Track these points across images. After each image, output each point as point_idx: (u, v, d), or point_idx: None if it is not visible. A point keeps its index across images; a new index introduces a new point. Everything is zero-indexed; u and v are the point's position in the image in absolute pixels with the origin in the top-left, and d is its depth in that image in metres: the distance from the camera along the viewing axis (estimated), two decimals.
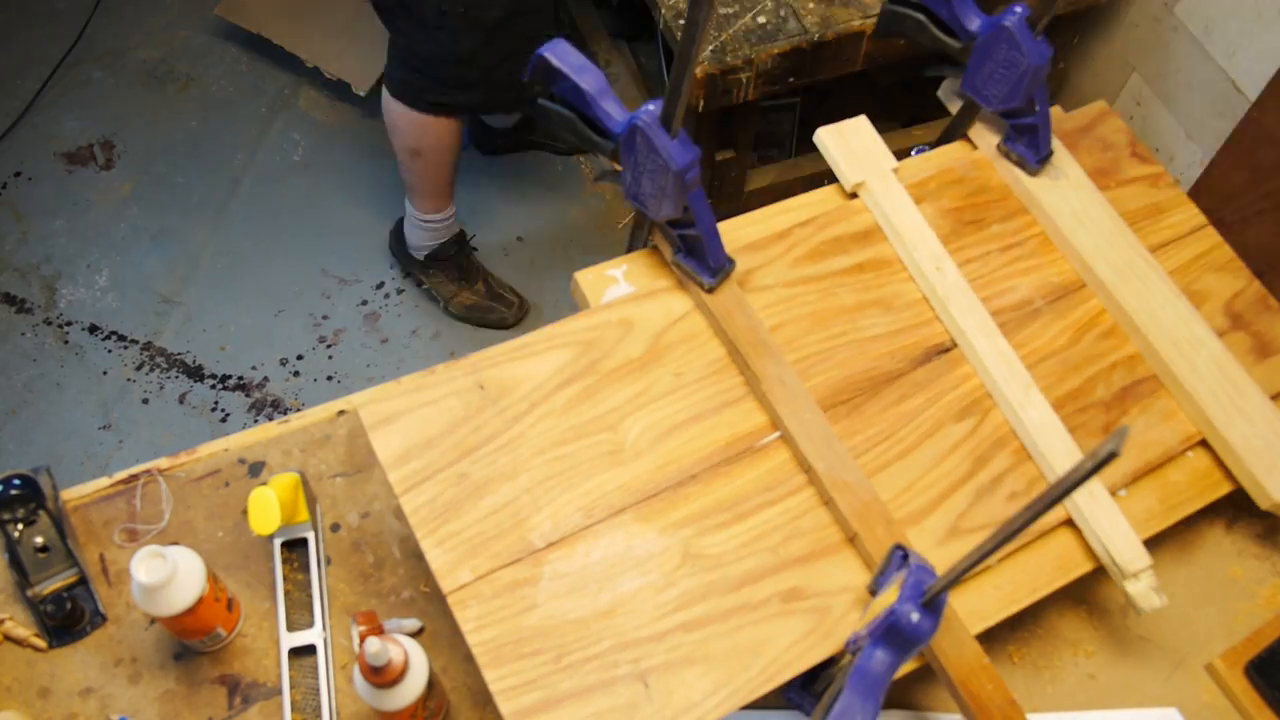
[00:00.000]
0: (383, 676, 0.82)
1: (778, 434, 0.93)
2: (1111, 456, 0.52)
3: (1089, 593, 1.02)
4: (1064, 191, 1.08)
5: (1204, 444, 1.00)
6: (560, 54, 0.91)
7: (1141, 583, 0.91)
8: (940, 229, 1.05)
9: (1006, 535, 0.62)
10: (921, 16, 1.01)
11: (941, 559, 0.89)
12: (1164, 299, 1.03)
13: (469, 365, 0.93)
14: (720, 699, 0.82)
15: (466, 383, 0.92)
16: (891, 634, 0.71)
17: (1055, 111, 1.16)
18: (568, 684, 0.81)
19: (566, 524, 0.87)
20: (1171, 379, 1.00)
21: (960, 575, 0.67)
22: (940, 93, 1.13)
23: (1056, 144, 1.09)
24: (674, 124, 0.86)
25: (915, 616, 0.70)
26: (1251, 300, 1.09)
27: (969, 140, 1.13)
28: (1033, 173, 1.08)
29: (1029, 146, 1.06)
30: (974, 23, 0.99)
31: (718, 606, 0.85)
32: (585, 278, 1.01)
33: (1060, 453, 0.94)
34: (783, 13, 1.64)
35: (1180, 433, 1.00)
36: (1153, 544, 0.96)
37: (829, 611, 0.79)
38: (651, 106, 0.87)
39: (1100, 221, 1.07)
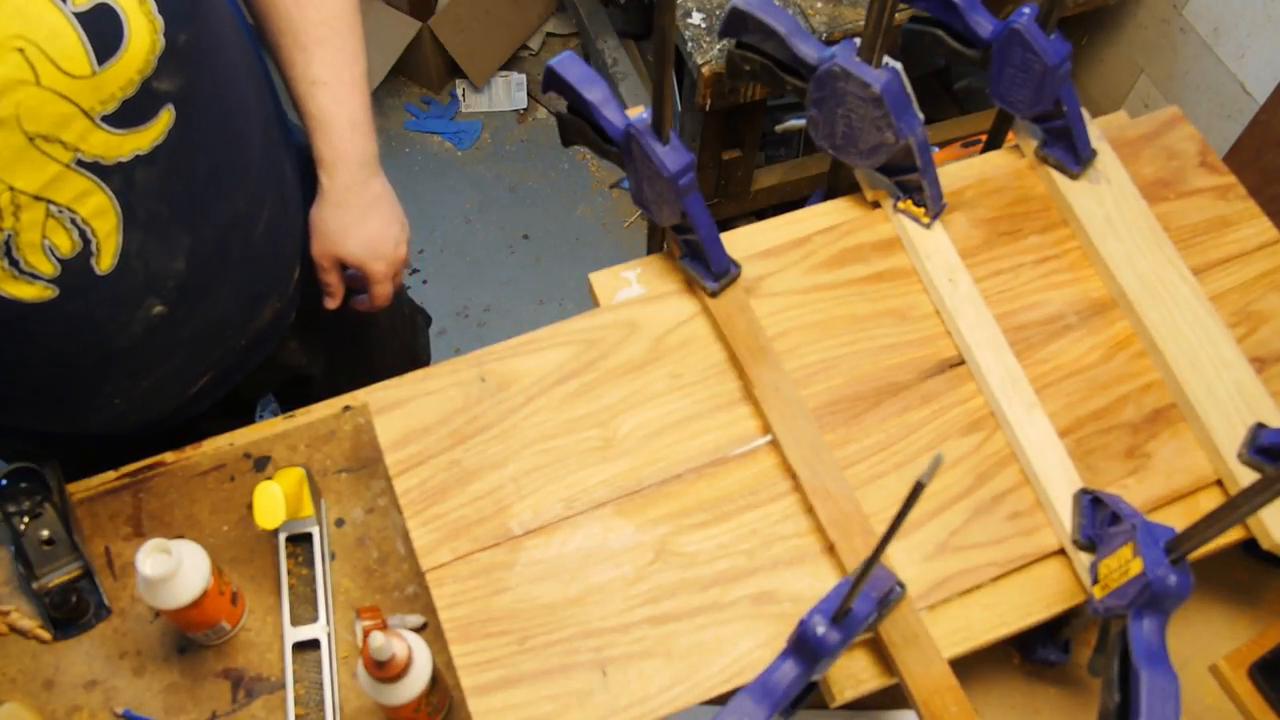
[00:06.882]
0: (386, 671, 0.82)
1: (767, 439, 0.92)
2: (919, 488, 0.51)
3: None
4: (1100, 196, 1.03)
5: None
6: (566, 67, 0.91)
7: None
8: (971, 240, 1.02)
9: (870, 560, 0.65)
10: (939, 31, 0.99)
11: (925, 574, 0.87)
12: (1192, 316, 0.97)
13: (474, 359, 0.94)
14: (675, 694, 0.82)
15: (469, 374, 0.93)
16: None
17: (1120, 117, 1.11)
18: (528, 665, 0.83)
19: (547, 513, 0.88)
20: (1185, 402, 0.95)
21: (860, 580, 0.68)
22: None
23: (1105, 148, 1.05)
24: (663, 129, 0.86)
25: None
26: None
27: (1017, 149, 1.08)
28: (1074, 176, 1.03)
29: (1066, 150, 1.03)
30: (985, 29, 0.96)
31: (686, 604, 0.86)
32: (599, 279, 1.01)
33: (1057, 477, 0.90)
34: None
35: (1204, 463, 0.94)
36: None
37: (798, 618, 0.79)
38: (645, 114, 0.87)
39: (1137, 230, 1.01)
